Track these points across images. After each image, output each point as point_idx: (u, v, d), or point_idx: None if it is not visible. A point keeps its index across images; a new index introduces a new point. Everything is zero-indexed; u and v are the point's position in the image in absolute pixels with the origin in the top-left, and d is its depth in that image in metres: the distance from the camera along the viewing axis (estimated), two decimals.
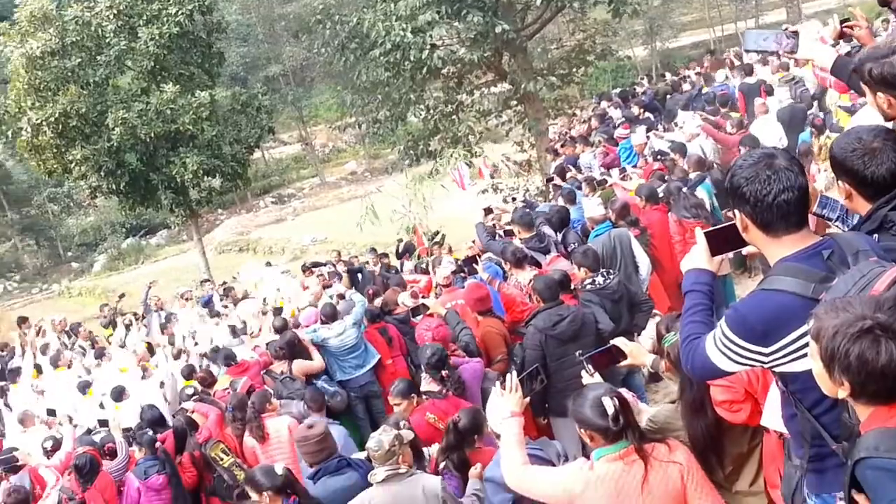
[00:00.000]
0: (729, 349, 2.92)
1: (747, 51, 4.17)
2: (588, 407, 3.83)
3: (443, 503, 4.94)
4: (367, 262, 16.50)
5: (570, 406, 3.98)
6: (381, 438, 5.03)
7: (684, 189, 10.08)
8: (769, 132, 12.50)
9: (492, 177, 22.85)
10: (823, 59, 3.99)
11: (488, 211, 12.34)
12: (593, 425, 3.81)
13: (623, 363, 4.64)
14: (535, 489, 4.03)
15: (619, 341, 4.60)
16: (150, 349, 14.08)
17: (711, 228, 3.28)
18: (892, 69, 3.26)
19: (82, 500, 7.33)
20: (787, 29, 4.11)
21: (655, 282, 9.28)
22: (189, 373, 11.09)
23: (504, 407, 4.28)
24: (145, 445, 7.78)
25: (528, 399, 4.41)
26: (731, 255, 3.42)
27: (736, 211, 2.98)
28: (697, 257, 3.23)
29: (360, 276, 14.02)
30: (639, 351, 4.58)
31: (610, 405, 3.75)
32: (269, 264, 20.66)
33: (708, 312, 3.18)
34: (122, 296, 19.39)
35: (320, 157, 51.25)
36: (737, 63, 19.52)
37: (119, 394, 11.04)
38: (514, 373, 4.42)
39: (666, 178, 11.14)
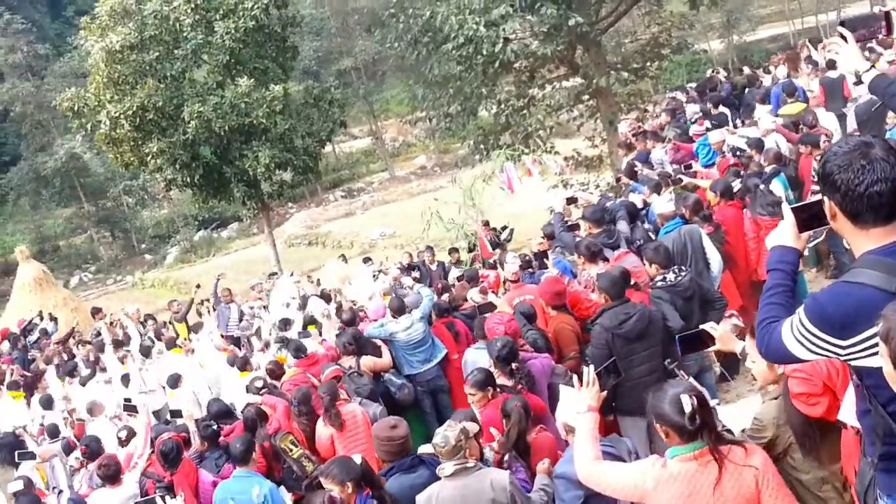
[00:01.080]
0: (805, 338, 2.85)
1: (842, 24, 4.00)
2: (667, 403, 3.77)
3: (511, 497, 4.91)
4: (424, 261, 16.57)
5: (649, 400, 3.91)
6: (446, 434, 5.03)
7: (761, 186, 9.87)
8: (825, 124, 12.36)
9: (559, 173, 22.61)
10: None
11: (571, 200, 12.14)
12: (670, 422, 3.75)
13: (712, 348, 4.53)
14: (606, 484, 4.01)
15: (709, 326, 4.51)
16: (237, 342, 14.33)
17: (800, 204, 3.18)
18: None
19: (171, 483, 7.44)
20: (884, 11, 3.92)
21: (728, 280, 9.09)
22: (243, 365, 11.24)
23: (580, 401, 4.24)
24: (208, 438, 7.91)
25: (604, 393, 4.37)
26: (812, 243, 3.32)
27: (825, 198, 2.88)
28: (784, 234, 3.14)
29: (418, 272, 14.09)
30: (728, 337, 4.47)
31: (688, 403, 3.69)
32: (343, 258, 20.74)
33: (789, 294, 3.10)
34: (198, 286, 19.62)
35: (390, 151, 51.57)
36: (812, 55, 19.10)
37: (175, 381, 11.25)
38: (591, 367, 4.36)
39: (741, 173, 10.91)
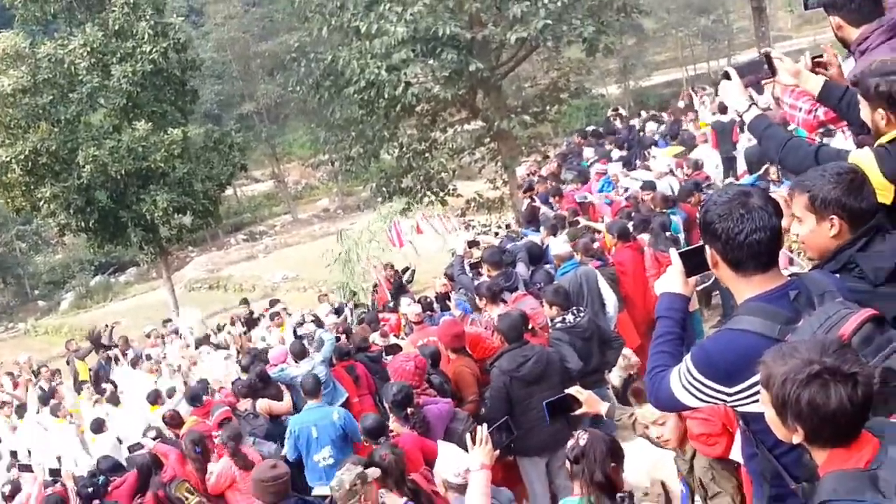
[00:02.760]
0: (693, 386, 2.90)
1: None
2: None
3: None
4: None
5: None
6: (342, 477, 4.94)
7: (655, 225, 10.11)
8: (707, 160, 13.11)
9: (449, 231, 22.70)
10: (810, 83, 3.96)
11: (473, 244, 12.20)
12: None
13: (578, 411, 4.60)
14: None
15: (574, 390, 4.60)
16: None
17: (685, 249, 3.25)
18: None
19: None
20: (763, 53, 4.08)
21: (626, 319, 9.24)
22: (154, 398, 10.97)
23: (474, 459, 4.25)
24: (83, 499, 7.70)
25: (497, 451, 4.37)
26: (700, 287, 3.39)
27: (707, 246, 2.95)
28: (672, 280, 3.20)
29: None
30: (593, 399, 4.57)
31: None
32: (244, 301, 20.33)
33: (678, 342, 3.15)
34: (109, 326, 18.85)
35: (293, 194, 51.21)
36: (694, 103, 19.86)
37: (99, 426, 10.90)
38: (485, 425, 4.40)
39: (633, 214, 11.15)
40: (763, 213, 2.79)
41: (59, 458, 10.91)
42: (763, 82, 4.20)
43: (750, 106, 3.94)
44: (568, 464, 3.75)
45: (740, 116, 4.01)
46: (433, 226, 19.30)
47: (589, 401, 4.50)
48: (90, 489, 7.77)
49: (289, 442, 8.23)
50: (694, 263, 3.15)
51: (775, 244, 2.85)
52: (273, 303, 16.93)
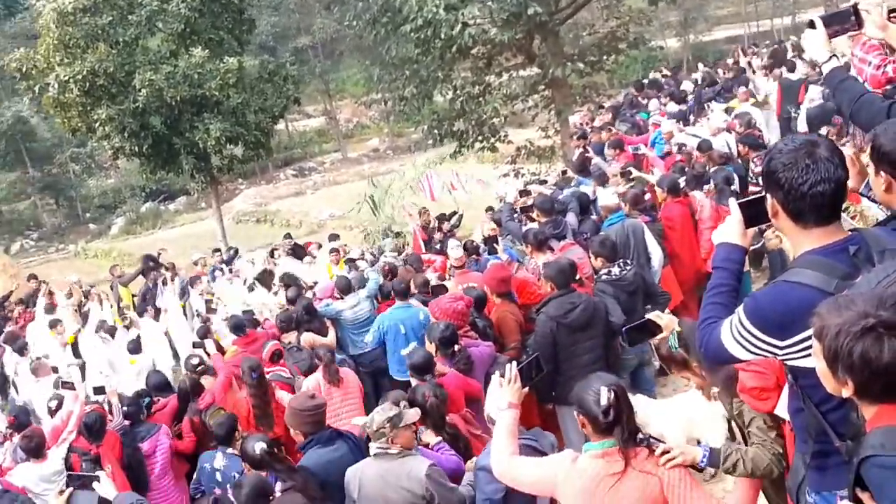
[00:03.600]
0: (744, 338, 2.87)
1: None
2: (588, 392, 3.78)
3: (426, 489, 4.91)
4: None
5: (575, 390, 3.92)
6: (374, 417, 5.06)
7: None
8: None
9: (512, 161, 22.56)
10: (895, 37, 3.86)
11: (524, 192, 12.12)
12: (587, 411, 3.77)
13: (659, 336, 4.51)
14: (520, 479, 4.03)
15: (654, 315, 4.51)
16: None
17: (746, 199, 3.17)
18: None
19: (97, 456, 7.30)
20: (852, 5, 3.96)
21: (669, 275, 9.17)
22: (204, 334, 11.12)
23: (501, 397, 4.24)
24: (130, 415, 7.85)
25: (526, 390, 4.34)
26: (751, 248, 3.31)
27: (768, 195, 2.89)
28: (731, 230, 3.14)
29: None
30: (674, 323, 4.45)
31: (605, 396, 3.70)
32: (288, 236, 20.44)
33: (732, 294, 3.11)
34: (160, 252, 19.03)
35: (344, 132, 51.20)
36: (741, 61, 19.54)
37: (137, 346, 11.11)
38: (514, 363, 4.35)
39: (686, 169, 11.03)
40: (829, 164, 2.73)
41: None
42: (850, 35, 4.09)
43: (830, 57, 3.85)
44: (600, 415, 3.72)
45: (819, 67, 3.92)
46: (463, 185, 19.24)
47: (670, 325, 4.41)
48: (134, 408, 7.90)
49: (375, 333, 8.94)
50: (754, 214, 3.08)
51: (839, 197, 2.79)
52: (333, 237, 16.90)
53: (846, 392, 2.34)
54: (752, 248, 3.18)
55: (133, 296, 17.23)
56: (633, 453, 3.73)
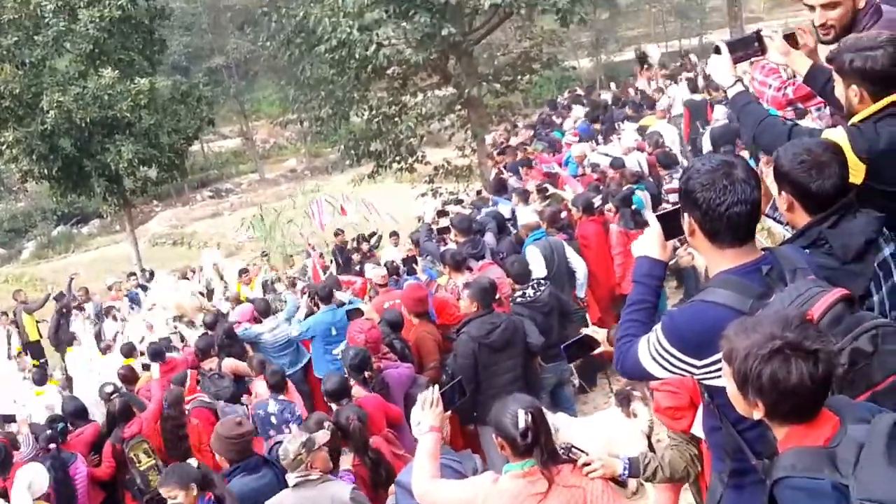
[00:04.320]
0: (662, 357, 2.90)
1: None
2: (505, 415, 3.81)
3: None
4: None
5: (492, 412, 3.95)
6: (287, 447, 5.04)
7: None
8: (666, 136, 13.35)
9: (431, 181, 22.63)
10: (799, 64, 3.98)
11: (442, 213, 12.17)
12: (505, 434, 3.80)
13: (598, 350, 4.54)
14: (441, 501, 4.03)
15: (591, 330, 4.54)
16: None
17: (664, 211, 3.22)
18: (874, 63, 3.28)
19: (4, 489, 7.08)
20: (755, 31, 4.10)
21: (588, 294, 9.30)
22: (129, 351, 10.90)
23: (423, 421, 4.24)
24: (41, 443, 7.54)
25: (448, 413, 4.38)
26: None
27: (685, 214, 2.94)
28: (650, 243, 3.16)
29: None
30: (612, 337, 4.49)
31: (522, 419, 3.73)
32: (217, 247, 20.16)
33: (651, 311, 3.15)
34: (72, 276, 18.48)
35: (260, 152, 50.64)
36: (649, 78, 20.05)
37: (42, 377, 10.78)
38: (436, 387, 4.38)
39: (600, 188, 11.22)
40: (746, 186, 2.78)
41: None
42: (753, 60, 4.23)
43: (735, 82, 3.96)
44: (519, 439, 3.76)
45: (725, 92, 4.04)
46: (355, 208, 19.21)
47: (606, 338, 4.40)
48: (49, 432, 7.66)
49: (303, 330, 9.44)
50: (671, 227, 3.12)
51: (754, 218, 2.85)
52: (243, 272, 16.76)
53: (757, 414, 2.38)
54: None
55: (37, 323, 16.76)
56: (556, 470, 3.77)
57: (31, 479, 6.88)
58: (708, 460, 3.91)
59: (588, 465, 3.82)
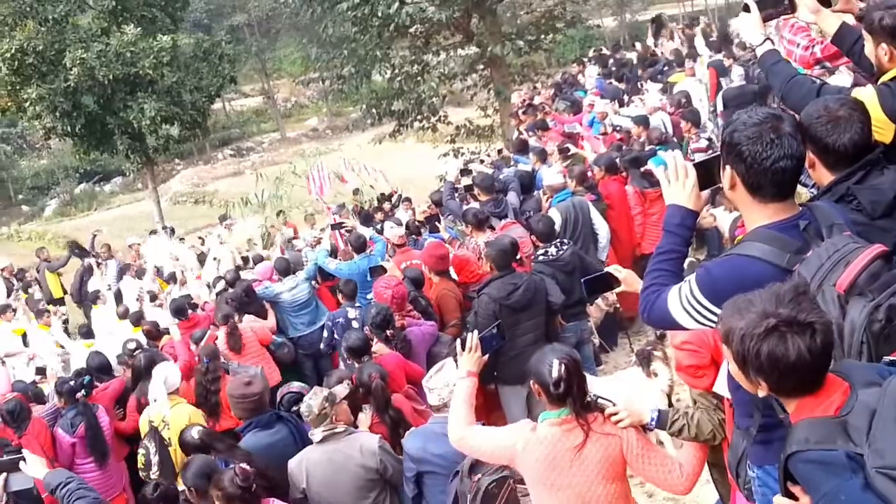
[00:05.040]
0: (693, 308, 2.88)
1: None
2: (543, 363, 3.88)
3: (380, 461, 5.02)
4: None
5: (532, 361, 4.02)
6: (310, 403, 5.06)
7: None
8: (693, 94, 13.21)
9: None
10: (828, 23, 3.91)
11: (465, 172, 12.12)
12: (541, 382, 3.88)
13: (617, 290, 4.50)
14: (478, 447, 4.12)
15: (614, 268, 4.48)
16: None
17: (701, 159, 3.14)
18: None
19: (18, 446, 7.10)
20: None
21: (610, 254, 9.26)
22: (137, 320, 10.91)
23: (461, 365, 4.30)
24: (65, 395, 7.53)
25: (486, 358, 4.39)
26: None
27: (727, 167, 2.88)
28: (684, 192, 3.08)
29: None
30: (633, 278, 4.37)
31: (556, 369, 3.81)
32: (224, 217, 20.17)
33: (679, 261, 3.11)
34: (94, 235, 18.56)
35: (282, 111, 50.68)
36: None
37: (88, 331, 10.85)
38: (475, 332, 4.38)
39: (623, 148, 11.13)
40: (792, 140, 2.74)
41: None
42: (783, 17, 4.16)
43: (764, 40, 3.91)
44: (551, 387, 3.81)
45: (753, 50, 3.98)
46: (357, 172, 19.04)
47: (628, 279, 4.36)
48: (72, 383, 7.72)
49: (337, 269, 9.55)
50: (708, 176, 3.05)
51: (798, 173, 2.82)
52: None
53: (761, 392, 2.37)
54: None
55: (60, 276, 16.91)
56: (592, 418, 3.87)
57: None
58: (730, 419, 3.92)
59: (615, 414, 3.89)
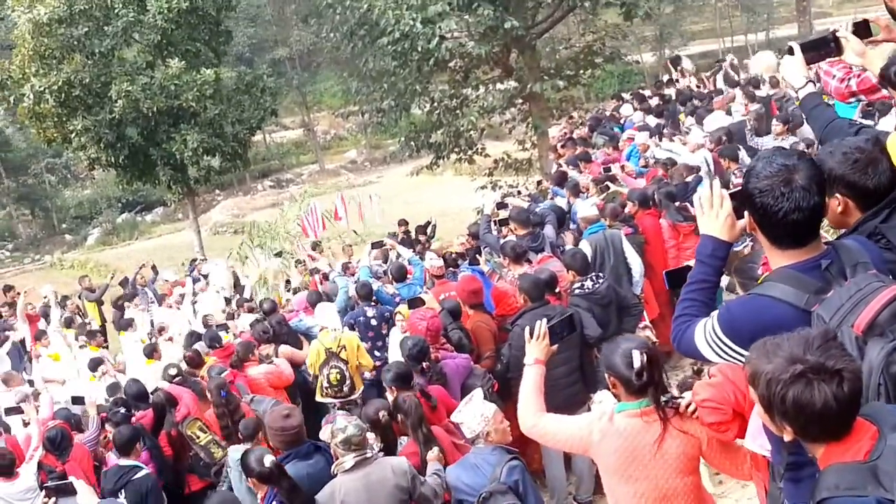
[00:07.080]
0: (716, 344, 2.93)
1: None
2: (618, 355, 3.91)
3: (411, 480, 5.06)
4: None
5: (603, 352, 4.10)
6: (347, 428, 5.05)
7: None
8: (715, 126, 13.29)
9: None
10: (875, 64, 3.88)
11: (501, 206, 12.13)
12: (617, 373, 3.91)
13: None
14: (551, 435, 4.16)
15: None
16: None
17: (737, 189, 3.05)
18: None
19: (63, 472, 7.20)
20: (831, 31, 4.00)
21: (647, 288, 9.23)
22: (150, 352, 11.01)
23: (529, 353, 4.34)
24: (119, 422, 7.59)
25: (554, 347, 4.43)
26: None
27: (745, 212, 2.93)
28: (719, 222, 3.05)
29: None
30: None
31: (638, 359, 3.81)
32: (279, 254, 20.23)
33: (711, 291, 3.13)
34: (142, 266, 18.82)
35: (321, 143, 51.11)
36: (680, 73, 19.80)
37: (96, 365, 10.95)
38: (545, 320, 4.42)
39: (662, 182, 11.11)
40: (805, 193, 2.72)
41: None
42: (828, 60, 4.15)
43: (806, 83, 3.90)
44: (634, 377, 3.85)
45: (796, 92, 3.98)
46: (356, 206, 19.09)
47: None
48: (123, 411, 7.78)
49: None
50: (741, 205, 3.01)
51: (816, 222, 2.81)
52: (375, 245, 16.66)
53: (787, 436, 2.36)
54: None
55: (100, 305, 17.08)
56: (671, 412, 3.91)
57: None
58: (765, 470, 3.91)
59: (690, 406, 3.92)
